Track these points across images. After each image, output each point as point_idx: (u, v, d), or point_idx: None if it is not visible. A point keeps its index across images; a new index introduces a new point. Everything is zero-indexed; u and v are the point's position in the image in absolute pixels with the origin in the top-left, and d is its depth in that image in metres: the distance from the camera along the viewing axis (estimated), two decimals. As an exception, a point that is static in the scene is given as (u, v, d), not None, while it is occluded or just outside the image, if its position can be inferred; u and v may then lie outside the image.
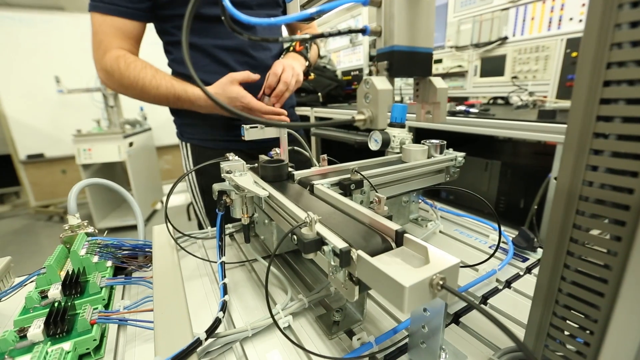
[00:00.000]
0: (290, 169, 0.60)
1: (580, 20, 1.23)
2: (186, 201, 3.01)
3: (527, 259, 0.60)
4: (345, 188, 0.53)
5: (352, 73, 2.32)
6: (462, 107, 1.24)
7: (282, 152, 0.67)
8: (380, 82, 0.26)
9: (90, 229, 0.62)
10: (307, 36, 0.28)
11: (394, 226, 0.35)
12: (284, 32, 1.15)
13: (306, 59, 0.89)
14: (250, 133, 0.65)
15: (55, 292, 0.47)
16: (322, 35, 0.29)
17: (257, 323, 0.43)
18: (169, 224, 0.62)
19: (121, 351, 0.43)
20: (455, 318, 0.45)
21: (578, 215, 0.29)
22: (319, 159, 0.66)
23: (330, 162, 0.67)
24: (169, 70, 0.91)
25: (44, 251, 2.78)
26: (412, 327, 0.38)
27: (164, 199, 2.98)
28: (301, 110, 2.11)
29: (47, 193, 3.66)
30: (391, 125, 0.75)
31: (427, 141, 0.68)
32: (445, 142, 0.68)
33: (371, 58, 2.26)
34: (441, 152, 0.68)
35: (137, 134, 3.12)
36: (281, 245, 0.56)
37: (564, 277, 0.31)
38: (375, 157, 0.69)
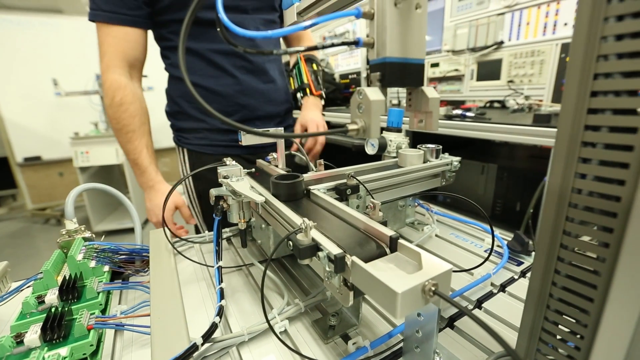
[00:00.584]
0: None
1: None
2: (184, 204, 3.00)
3: (522, 262, 0.60)
4: (342, 193, 0.53)
5: (350, 76, 2.33)
6: (458, 111, 1.25)
7: (279, 157, 0.67)
8: (373, 93, 0.27)
9: (87, 234, 0.62)
10: (302, 48, 0.29)
11: (389, 232, 0.35)
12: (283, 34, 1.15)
13: (322, 97, 0.92)
14: (247, 138, 0.65)
15: (52, 297, 0.47)
16: (315, 48, 0.29)
17: (254, 328, 0.43)
18: (166, 228, 0.63)
19: (118, 356, 0.43)
20: (450, 322, 0.46)
21: (568, 222, 0.30)
22: (316, 163, 0.67)
23: (327, 167, 0.67)
24: (170, 70, 0.92)
25: (41, 255, 2.77)
26: (406, 331, 0.38)
27: (162, 201, 2.96)
28: (298, 114, 2.12)
29: (44, 196, 3.65)
30: (388, 129, 0.75)
31: (423, 146, 0.69)
32: (441, 147, 0.69)
33: (368, 62, 2.27)
34: (437, 157, 0.69)
35: (135, 137, 3.12)
36: (278, 249, 0.56)
37: (554, 282, 0.31)
38: (372, 161, 0.69)
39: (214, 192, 0.57)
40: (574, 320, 0.30)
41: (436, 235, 0.71)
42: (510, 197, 1.34)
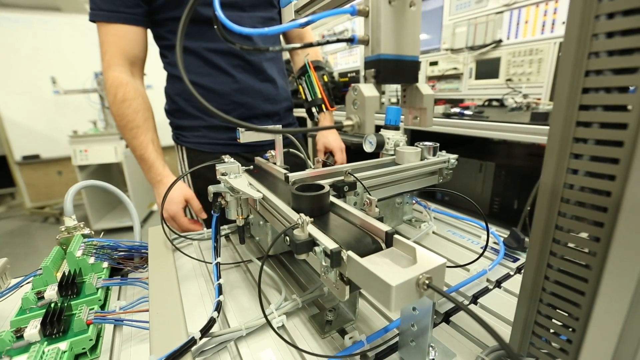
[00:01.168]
0: (286, 172, 0.61)
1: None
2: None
3: (518, 259, 0.61)
4: (339, 190, 0.53)
5: (349, 75, 2.34)
6: (456, 109, 1.25)
7: (277, 155, 0.68)
8: (368, 89, 0.27)
9: (86, 231, 0.62)
10: (298, 45, 0.29)
11: (384, 227, 0.36)
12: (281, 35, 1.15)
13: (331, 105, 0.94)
14: (246, 135, 0.65)
15: (51, 293, 0.47)
16: (311, 45, 0.30)
17: (251, 323, 0.44)
18: (164, 225, 0.63)
19: (117, 351, 0.43)
20: (446, 317, 0.46)
21: (560, 217, 0.30)
22: (314, 160, 0.67)
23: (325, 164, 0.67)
24: (170, 69, 0.92)
25: (39, 253, 2.77)
26: (402, 326, 0.39)
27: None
28: (298, 112, 2.12)
29: (43, 194, 3.65)
30: (386, 127, 0.76)
31: (421, 143, 0.69)
32: (438, 145, 0.69)
33: (367, 60, 2.27)
34: (434, 154, 0.69)
35: (133, 135, 3.11)
36: (276, 246, 0.56)
37: (547, 277, 0.32)
38: (370, 159, 0.69)
39: (212, 188, 0.57)
40: (566, 314, 0.31)
41: (433, 233, 0.72)
42: (507, 194, 1.35)
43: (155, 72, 1.14)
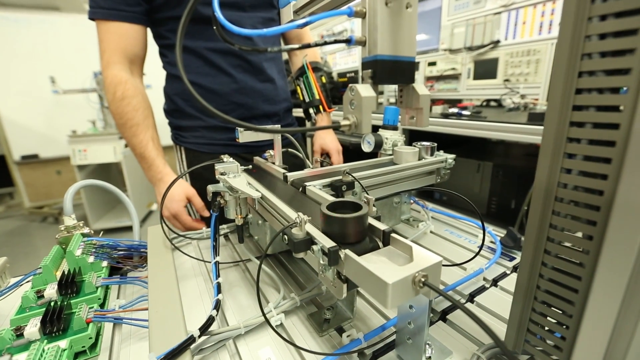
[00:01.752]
0: (285, 171, 0.61)
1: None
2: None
3: (514, 258, 0.61)
4: (337, 189, 0.54)
5: (347, 75, 2.34)
6: (454, 109, 1.26)
7: (275, 155, 0.68)
8: (365, 90, 0.28)
9: (85, 230, 0.63)
10: (296, 46, 0.30)
11: (382, 226, 0.36)
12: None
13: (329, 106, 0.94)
14: (245, 135, 0.66)
15: (51, 291, 0.48)
16: (308, 46, 0.30)
17: (250, 321, 0.44)
18: (164, 224, 0.63)
19: (116, 349, 0.43)
20: (443, 315, 0.47)
21: (554, 216, 0.31)
22: (312, 160, 0.67)
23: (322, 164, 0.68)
24: (170, 69, 0.92)
25: (38, 252, 2.76)
26: (399, 323, 0.39)
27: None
28: (297, 112, 2.13)
29: (42, 194, 3.64)
30: (384, 127, 0.76)
31: (418, 143, 0.70)
32: (435, 145, 0.70)
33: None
34: (432, 154, 0.70)
35: (132, 135, 3.11)
36: (275, 245, 0.57)
37: (542, 275, 0.32)
38: (369, 159, 0.70)
39: (211, 188, 0.57)
40: (560, 311, 0.31)
41: (431, 232, 0.72)
42: (505, 194, 1.35)
43: (155, 72, 1.14)
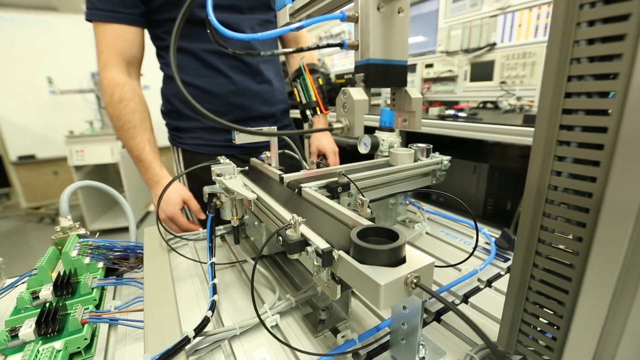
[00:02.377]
0: (281, 173, 0.61)
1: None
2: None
3: (508, 259, 0.62)
4: (333, 191, 0.54)
5: (345, 76, 2.34)
6: (451, 111, 1.27)
7: (272, 156, 0.68)
8: (357, 93, 0.28)
9: (82, 231, 0.63)
10: (290, 50, 0.30)
11: (376, 228, 0.36)
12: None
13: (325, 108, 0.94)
14: (241, 137, 0.66)
15: (46, 292, 0.48)
16: (301, 50, 0.31)
17: (245, 322, 0.44)
18: (160, 225, 0.63)
19: (112, 350, 0.43)
20: (437, 316, 0.47)
21: (545, 217, 0.31)
22: (308, 162, 0.68)
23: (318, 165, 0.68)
24: (168, 69, 0.92)
25: (35, 253, 2.75)
26: (393, 324, 0.39)
27: (157, 200, 2.96)
28: (295, 113, 2.13)
29: (38, 195, 3.63)
30: (380, 129, 0.76)
31: (414, 145, 0.70)
32: (431, 146, 0.70)
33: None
34: (427, 156, 0.70)
35: (130, 136, 3.11)
36: (270, 246, 0.57)
37: (533, 276, 0.33)
38: (365, 160, 0.70)
39: (207, 189, 0.58)
40: (551, 312, 0.32)
41: (427, 233, 0.73)
42: (501, 195, 1.36)
43: (153, 73, 1.14)
